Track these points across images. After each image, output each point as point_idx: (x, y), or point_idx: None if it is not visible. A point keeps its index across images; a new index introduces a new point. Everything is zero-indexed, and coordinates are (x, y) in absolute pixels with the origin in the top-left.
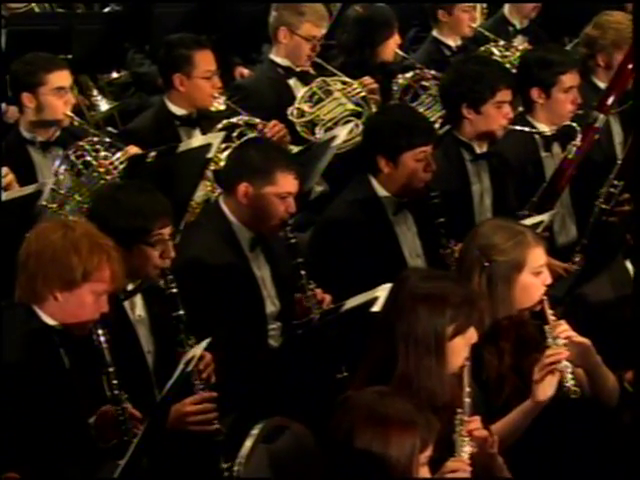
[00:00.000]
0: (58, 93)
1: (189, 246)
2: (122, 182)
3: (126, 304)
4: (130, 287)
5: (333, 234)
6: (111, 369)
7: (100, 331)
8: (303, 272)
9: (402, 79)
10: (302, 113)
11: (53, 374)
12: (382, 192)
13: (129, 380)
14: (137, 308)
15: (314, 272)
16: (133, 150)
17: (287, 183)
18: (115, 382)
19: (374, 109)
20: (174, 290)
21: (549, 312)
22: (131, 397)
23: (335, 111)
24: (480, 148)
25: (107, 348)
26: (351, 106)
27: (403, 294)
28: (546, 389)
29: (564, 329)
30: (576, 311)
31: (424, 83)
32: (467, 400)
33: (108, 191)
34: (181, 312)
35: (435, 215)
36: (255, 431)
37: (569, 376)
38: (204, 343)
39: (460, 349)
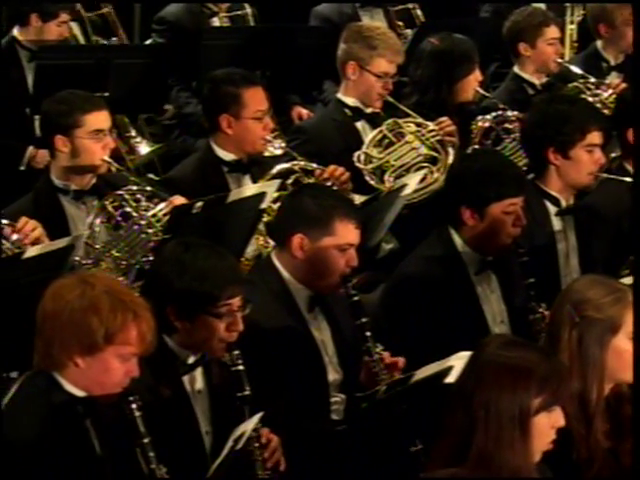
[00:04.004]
0: (96, 136)
1: None
2: (189, 241)
3: (185, 379)
4: (191, 360)
5: (407, 293)
6: (146, 440)
7: (131, 398)
8: (368, 333)
9: (482, 121)
10: (370, 159)
11: (79, 451)
12: (464, 248)
13: (183, 463)
14: (197, 383)
15: (384, 335)
16: (178, 200)
17: (347, 233)
18: (152, 455)
19: (451, 154)
20: (240, 367)
21: None
22: None
23: (407, 156)
24: (566, 201)
25: (140, 417)
26: (425, 151)
27: (482, 362)
28: None
29: None
30: None
31: (507, 126)
32: None
33: (173, 252)
34: (247, 392)
35: (524, 275)
36: None
37: None
38: (256, 418)
39: (544, 430)
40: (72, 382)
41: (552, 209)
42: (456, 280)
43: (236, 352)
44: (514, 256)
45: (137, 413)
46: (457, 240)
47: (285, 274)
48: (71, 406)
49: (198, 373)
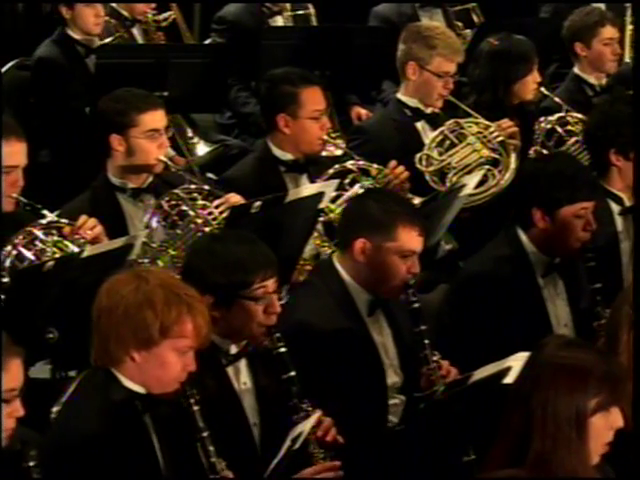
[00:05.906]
0: (151, 136)
1: (298, 309)
2: (218, 232)
3: (230, 371)
4: (234, 350)
5: (475, 291)
6: (205, 434)
7: (189, 392)
8: (427, 341)
9: (545, 122)
10: (431, 161)
11: (138, 447)
12: (532, 249)
13: (233, 456)
14: (242, 375)
15: (446, 331)
16: (234, 199)
17: (410, 240)
18: (211, 449)
19: (513, 156)
20: (283, 349)
21: None
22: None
23: (469, 158)
24: (630, 200)
25: (198, 411)
26: (486, 152)
27: (539, 363)
28: None
29: None
30: None
31: (570, 128)
32: None
33: (203, 243)
34: (292, 373)
35: (590, 280)
36: None
37: None
38: (313, 418)
39: (601, 431)
40: (130, 378)
41: (615, 208)
42: (523, 281)
43: (277, 335)
44: (581, 260)
45: (195, 407)
46: (525, 241)
47: (346, 277)
48: (130, 402)
49: (243, 366)
